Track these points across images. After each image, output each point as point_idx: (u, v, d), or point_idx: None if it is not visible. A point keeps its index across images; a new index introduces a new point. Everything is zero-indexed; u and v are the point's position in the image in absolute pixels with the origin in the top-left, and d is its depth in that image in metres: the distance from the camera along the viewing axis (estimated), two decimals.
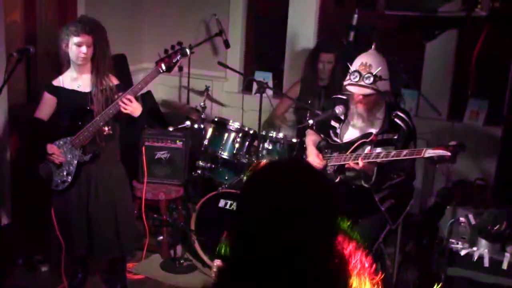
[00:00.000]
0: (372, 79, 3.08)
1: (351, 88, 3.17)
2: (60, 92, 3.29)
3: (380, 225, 3.27)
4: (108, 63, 3.28)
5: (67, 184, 3.28)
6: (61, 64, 3.28)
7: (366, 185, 3.20)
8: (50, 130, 3.34)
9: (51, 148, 3.22)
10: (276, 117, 4.69)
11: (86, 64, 3.24)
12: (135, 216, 3.79)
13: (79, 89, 3.26)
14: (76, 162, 3.25)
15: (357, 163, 3.07)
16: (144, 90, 4.97)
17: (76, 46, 3.15)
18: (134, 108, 3.15)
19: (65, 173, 3.27)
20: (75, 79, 3.28)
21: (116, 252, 3.45)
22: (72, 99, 3.25)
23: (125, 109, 3.13)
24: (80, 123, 3.21)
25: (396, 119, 3.21)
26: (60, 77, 3.31)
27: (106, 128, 3.27)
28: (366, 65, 3.12)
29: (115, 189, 3.38)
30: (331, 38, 4.87)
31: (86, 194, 3.32)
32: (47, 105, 3.34)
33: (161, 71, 3.14)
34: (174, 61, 3.13)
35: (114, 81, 3.32)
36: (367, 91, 3.12)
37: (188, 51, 3.13)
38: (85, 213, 3.33)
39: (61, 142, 3.25)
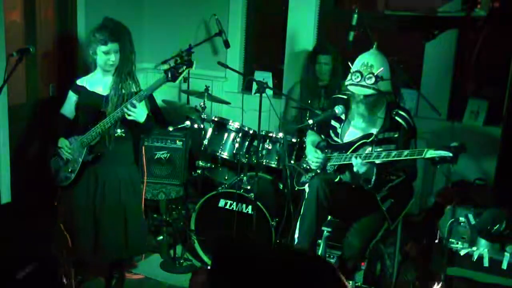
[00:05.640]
0: (373, 79, 3.09)
1: (352, 88, 3.18)
2: (81, 92, 3.40)
3: (378, 223, 3.28)
4: (130, 68, 3.35)
5: (69, 181, 3.36)
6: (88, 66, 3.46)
7: (366, 188, 3.21)
8: (71, 126, 3.49)
9: (62, 142, 3.36)
10: (288, 122, 4.68)
11: (114, 69, 3.34)
12: (144, 219, 3.71)
13: (99, 92, 3.36)
14: (81, 160, 3.33)
15: (357, 164, 3.07)
16: None
17: (104, 54, 3.26)
18: (137, 114, 3.20)
19: (70, 170, 3.37)
20: (99, 82, 3.39)
21: (124, 254, 3.49)
22: (90, 100, 3.35)
23: (129, 114, 3.20)
24: (91, 123, 3.29)
25: (397, 117, 3.21)
26: (85, 78, 3.43)
27: (119, 131, 3.33)
28: (368, 65, 3.12)
29: (124, 191, 3.39)
30: (329, 40, 4.88)
31: (93, 195, 3.36)
32: (69, 103, 3.47)
33: (167, 80, 3.20)
34: (179, 71, 3.20)
35: (134, 87, 3.35)
36: (369, 91, 3.12)
37: (194, 64, 3.21)
38: (92, 215, 3.35)
39: (73, 140, 3.37)
